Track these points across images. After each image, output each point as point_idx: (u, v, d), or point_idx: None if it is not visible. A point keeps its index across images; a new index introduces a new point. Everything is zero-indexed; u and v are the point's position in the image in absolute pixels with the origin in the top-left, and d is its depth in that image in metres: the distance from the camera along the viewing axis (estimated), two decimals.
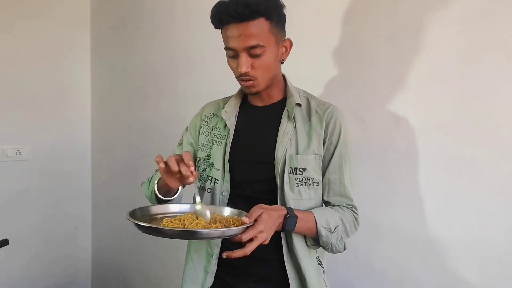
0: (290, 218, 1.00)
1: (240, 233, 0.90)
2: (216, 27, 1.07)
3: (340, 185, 1.14)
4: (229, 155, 1.16)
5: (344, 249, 1.13)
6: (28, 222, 2.47)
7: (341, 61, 1.50)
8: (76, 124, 2.69)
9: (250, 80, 1.07)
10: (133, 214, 0.97)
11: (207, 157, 1.20)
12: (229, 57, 1.08)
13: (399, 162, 1.37)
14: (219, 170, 1.16)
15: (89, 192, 2.77)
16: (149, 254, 2.35)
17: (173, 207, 1.10)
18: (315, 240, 1.11)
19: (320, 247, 1.13)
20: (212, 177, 1.18)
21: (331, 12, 1.51)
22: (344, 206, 1.14)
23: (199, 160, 1.23)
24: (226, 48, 1.06)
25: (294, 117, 1.13)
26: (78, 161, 2.71)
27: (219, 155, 1.17)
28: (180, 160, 0.96)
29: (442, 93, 1.28)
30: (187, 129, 1.29)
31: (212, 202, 1.17)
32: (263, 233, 0.93)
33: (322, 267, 1.17)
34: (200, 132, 1.24)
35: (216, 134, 1.21)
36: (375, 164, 1.43)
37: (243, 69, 1.04)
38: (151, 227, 0.90)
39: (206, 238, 1.09)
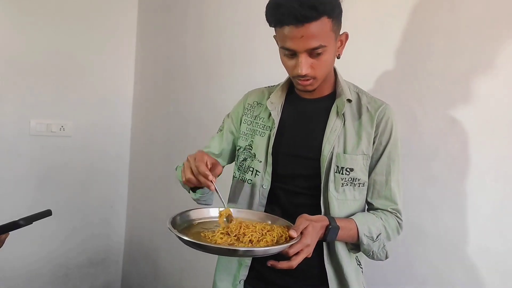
0: (332, 229, 0.97)
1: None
2: (272, 25, 0.99)
3: (386, 188, 1.08)
4: (272, 147, 1.12)
5: (386, 257, 1.09)
6: (67, 197, 2.54)
7: (394, 55, 1.42)
8: (117, 104, 2.73)
9: (308, 80, 1.01)
10: (173, 222, 0.96)
11: (248, 146, 1.17)
12: (285, 55, 1.01)
13: (451, 165, 1.29)
14: (261, 162, 1.13)
15: (126, 173, 2.82)
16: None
17: (211, 212, 1.08)
18: (355, 245, 1.07)
19: (360, 252, 1.08)
20: (253, 168, 1.14)
21: (385, 3, 1.43)
22: (387, 211, 1.09)
23: (239, 149, 1.19)
24: (283, 48, 0.99)
25: (343, 114, 1.08)
26: (117, 141, 2.75)
27: (262, 146, 1.13)
28: (196, 171, 0.96)
29: (504, 94, 1.18)
30: (228, 115, 1.26)
31: (252, 195, 1.13)
32: (309, 247, 0.91)
33: (361, 267, 1.14)
34: (242, 121, 1.20)
35: (259, 124, 1.17)
36: (423, 165, 1.34)
37: (304, 71, 0.98)
38: (201, 244, 0.86)
39: (255, 256, 1.05)
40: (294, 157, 1.10)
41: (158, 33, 2.60)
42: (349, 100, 1.09)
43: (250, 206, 1.14)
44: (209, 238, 0.93)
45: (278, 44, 1.03)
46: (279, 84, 1.20)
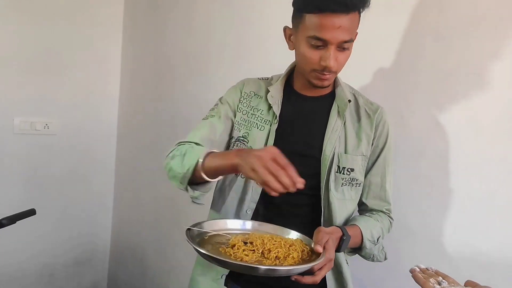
0: (346, 240, 0.97)
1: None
2: (307, 10, 0.94)
3: (381, 189, 1.11)
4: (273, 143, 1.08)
5: (385, 258, 1.11)
6: (52, 196, 2.50)
7: (381, 55, 1.43)
8: (104, 102, 2.69)
9: (329, 74, 0.99)
10: (191, 235, 0.89)
11: (242, 138, 1.11)
12: (310, 46, 0.96)
13: (437, 164, 1.31)
14: None
15: (113, 171, 2.79)
16: (167, 237, 2.35)
17: (229, 224, 1.01)
18: (353, 248, 1.08)
19: (356, 254, 1.10)
20: None
21: (374, 3, 1.43)
22: (382, 212, 1.12)
23: (231, 139, 1.13)
24: (313, 38, 0.94)
25: (344, 114, 1.08)
26: (103, 140, 2.72)
27: (260, 140, 1.08)
28: (282, 174, 0.79)
29: (490, 94, 1.20)
30: (222, 100, 1.17)
31: (244, 189, 1.09)
32: (331, 262, 0.91)
33: (348, 265, 1.15)
34: (238, 109, 1.13)
35: (257, 116, 1.11)
36: (410, 164, 1.36)
37: (332, 63, 0.95)
38: (228, 262, 0.80)
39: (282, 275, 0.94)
40: (293, 155, 1.04)
41: (144, 30, 2.57)
42: (349, 101, 1.09)
43: (241, 201, 1.10)
44: (231, 253, 0.86)
45: (299, 33, 0.98)
46: (272, 77, 1.17)
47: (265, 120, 1.10)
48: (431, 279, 0.81)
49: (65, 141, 2.52)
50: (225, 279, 1.10)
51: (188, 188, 0.99)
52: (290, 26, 1.04)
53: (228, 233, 0.96)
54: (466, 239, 1.25)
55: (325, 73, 0.98)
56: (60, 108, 2.48)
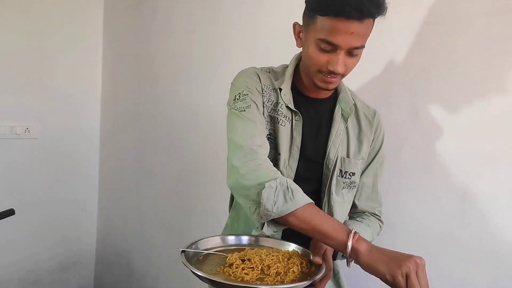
0: None
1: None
2: (320, 12, 0.90)
3: (373, 190, 1.12)
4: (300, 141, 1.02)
5: None
6: (34, 201, 2.47)
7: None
8: (85, 105, 2.67)
9: (335, 78, 0.96)
10: (187, 256, 0.84)
11: (270, 136, 1.03)
12: (319, 49, 0.93)
13: (415, 157, 1.33)
14: (281, 155, 1.02)
15: (96, 174, 2.76)
16: (153, 239, 2.34)
17: (222, 240, 0.97)
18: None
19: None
20: (275, 162, 1.02)
21: None
22: (373, 216, 1.13)
23: None
24: (324, 41, 0.91)
25: (348, 118, 1.07)
26: (86, 143, 2.69)
27: (286, 137, 1.02)
28: None
29: (465, 88, 1.23)
30: (245, 90, 1.01)
31: None
32: (331, 272, 0.92)
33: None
34: (263, 104, 1.04)
35: (277, 111, 1.03)
36: (389, 158, 1.37)
37: (340, 68, 0.92)
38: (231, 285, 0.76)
39: None
40: (300, 158, 1.04)
41: (125, 31, 2.56)
42: (353, 105, 1.08)
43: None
44: (230, 273, 0.82)
45: (309, 33, 0.95)
46: (272, 70, 1.10)
47: (286, 116, 1.03)
48: None
49: (47, 145, 2.49)
50: None
51: (266, 224, 0.88)
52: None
53: (224, 250, 0.92)
54: (445, 230, 1.27)
55: (331, 76, 0.95)
56: (40, 112, 2.45)
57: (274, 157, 1.02)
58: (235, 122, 0.97)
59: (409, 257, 0.79)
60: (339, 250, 0.84)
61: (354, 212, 1.15)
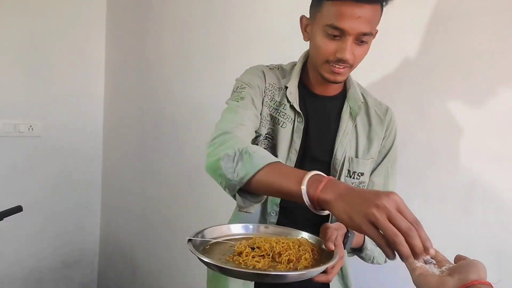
0: (350, 236, 0.92)
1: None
2: None
3: (383, 189, 1.05)
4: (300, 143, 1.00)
5: (385, 261, 1.07)
6: (38, 198, 2.48)
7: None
8: (88, 103, 2.67)
9: (345, 67, 0.93)
10: (194, 245, 0.80)
11: (268, 135, 1.02)
12: (327, 36, 0.90)
13: (419, 155, 1.33)
14: (279, 157, 1.00)
15: (100, 172, 2.77)
16: (156, 236, 2.35)
17: (229, 229, 0.93)
18: (352, 249, 1.05)
19: (354, 255, 1.08)
20: None
21: None
22: None
23: (258, 137, 1.02)
24: (331, 26, 0.88)
25: (356, 117, 1.04)
26: (89, 140, 2.70)
27: (285, 139, 1.01)
28: (412, 235, 0.62)
29: (473, 85, 1.23)
30: (245, 85, 1.01)
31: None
32: (342, 259, 0.89)
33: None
34: (264, 102, 1.02)
35: (279, 112, 1.01)
36: None
37: (348, 55, 0.89)
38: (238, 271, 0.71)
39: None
40: (305, 158, 1.02)
41: (128, 30, 2.56)
42: (362, 103, 1.05)
43: (264, 206, 1.03)
44: (240, 261, 0.78)
45: (315, 23, 0.93)
46: (281, 67, 1.08)
47: (288, 117, 1.02)
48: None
49: (50, 143, 2.50)
50: None
51: (237, 196, 0.82)
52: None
53: (231, 239, 0.89)
54: (448, 227, 1.27)
55: (339, 65, 0.92)
56: (44, 110, 2.46)
57: None
58: (224, 112, 0.97)
59: (375, 196, 0.61)
60: (301, 203, 0.70)
61: None
